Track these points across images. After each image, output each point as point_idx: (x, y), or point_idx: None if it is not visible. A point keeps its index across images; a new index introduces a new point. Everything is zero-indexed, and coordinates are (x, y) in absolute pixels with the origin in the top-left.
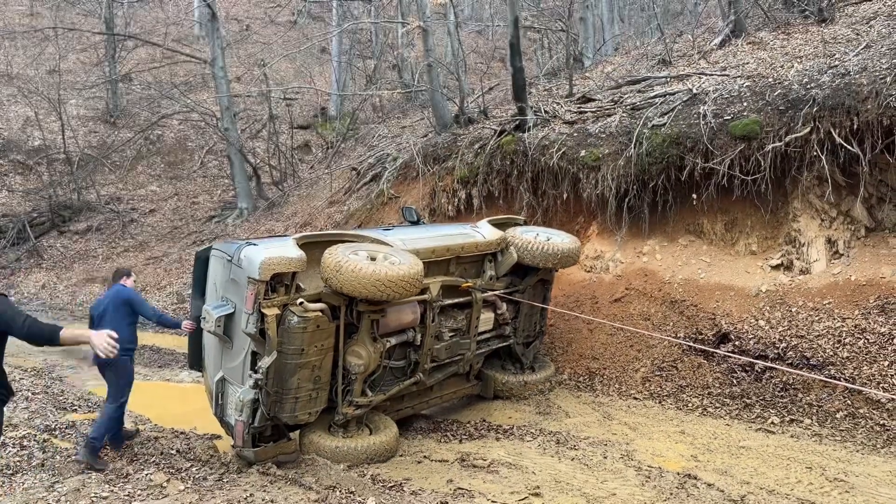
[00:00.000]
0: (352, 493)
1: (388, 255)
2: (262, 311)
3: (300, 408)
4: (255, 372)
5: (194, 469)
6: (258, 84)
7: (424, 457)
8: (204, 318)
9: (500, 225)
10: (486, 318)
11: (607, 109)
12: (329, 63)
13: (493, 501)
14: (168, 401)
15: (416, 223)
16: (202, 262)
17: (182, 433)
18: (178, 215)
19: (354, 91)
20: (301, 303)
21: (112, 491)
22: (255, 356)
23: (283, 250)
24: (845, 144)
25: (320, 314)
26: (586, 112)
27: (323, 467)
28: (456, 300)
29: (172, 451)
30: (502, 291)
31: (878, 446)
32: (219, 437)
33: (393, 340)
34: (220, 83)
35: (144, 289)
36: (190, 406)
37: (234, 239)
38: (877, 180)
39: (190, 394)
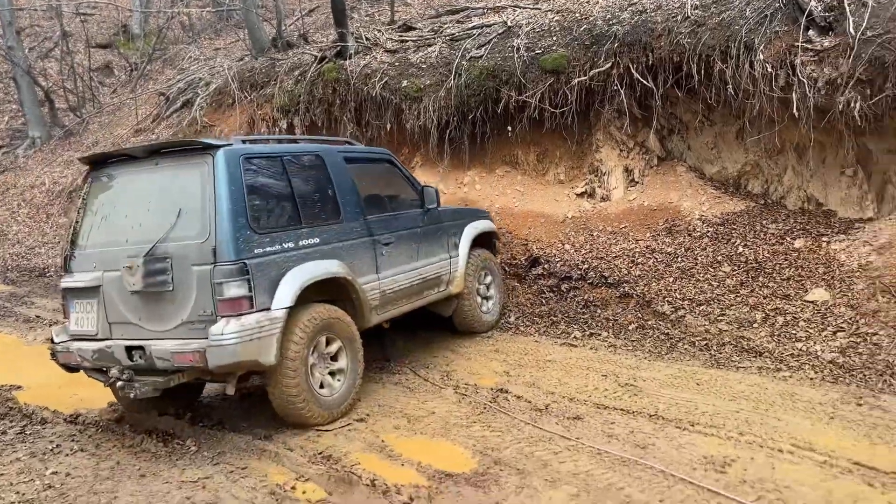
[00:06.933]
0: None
1: None
2: None
3: None
4: None
5: None
6: None
7: None
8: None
9: None
10: None
11: (428, 39)
12: None
13: (318, 432)
14: None
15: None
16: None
17: None
18: None
19: (160, 7)
20: None
21: None
22: None
23: None
24: (641, 79)
25: None
26: (408, 41)
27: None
28: None
29: None
30: None
31: (663, 353)
32: (19, 387)
33: None
34: None
35: None
36: None
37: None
38: (668, 113)
39: None
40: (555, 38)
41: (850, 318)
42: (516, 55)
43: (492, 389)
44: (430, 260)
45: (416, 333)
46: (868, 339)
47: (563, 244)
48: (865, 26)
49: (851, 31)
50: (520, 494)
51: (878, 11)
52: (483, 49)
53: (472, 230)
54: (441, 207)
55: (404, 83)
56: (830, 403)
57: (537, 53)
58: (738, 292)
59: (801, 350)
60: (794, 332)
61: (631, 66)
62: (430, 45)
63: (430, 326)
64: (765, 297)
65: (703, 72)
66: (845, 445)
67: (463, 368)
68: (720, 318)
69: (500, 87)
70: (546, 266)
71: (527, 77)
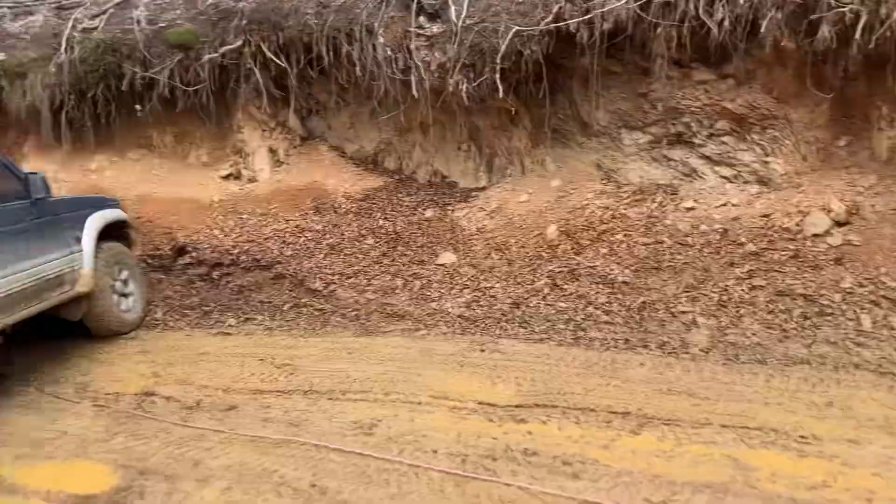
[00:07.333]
0: None
1: None
2: None
3: None
4: None
5: None
6: None
7: None
8: None
9: None
10: None
11: (27, 6)
12: None
13: None
14: None
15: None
16: None
17: None
18: None
19: None
20: None
21: None
22: None
23: None
24: (275, 59)
25: None
26: (2, 7)
27: None
28: None
29: None
30: None
31: (317, 329)
32: None
33: None
34: None
35: None
36: None
37: None
38: (305, 93)
39: None
40: (179, 12)
41: (473, 276)
42: (137, 28)
43: (137, 395)
44: (46, 257)
45: (43, 344)
46: (486, 292)
47: (212, 230)
48: (465, 15)
49: (454, 19)
50: (169, 502)
51: (476, 2)
52: (98, 20)
53: (97, 221)
54: (56, 197)
55: (1, 56)
56: (460, 353)
57: (162, 27)
58: (382, 262)
59: (435, 309)
60: (428, 293)
61: (263, 44)
62: (31, 14)
63: (63, 334)
64: (404, 265)
65: (332, 53)
66: (472, 389)
67: (103, 377)
68: (367, 288)
69: (123, 63)
70: (194, 254)
71: (152, 52)
